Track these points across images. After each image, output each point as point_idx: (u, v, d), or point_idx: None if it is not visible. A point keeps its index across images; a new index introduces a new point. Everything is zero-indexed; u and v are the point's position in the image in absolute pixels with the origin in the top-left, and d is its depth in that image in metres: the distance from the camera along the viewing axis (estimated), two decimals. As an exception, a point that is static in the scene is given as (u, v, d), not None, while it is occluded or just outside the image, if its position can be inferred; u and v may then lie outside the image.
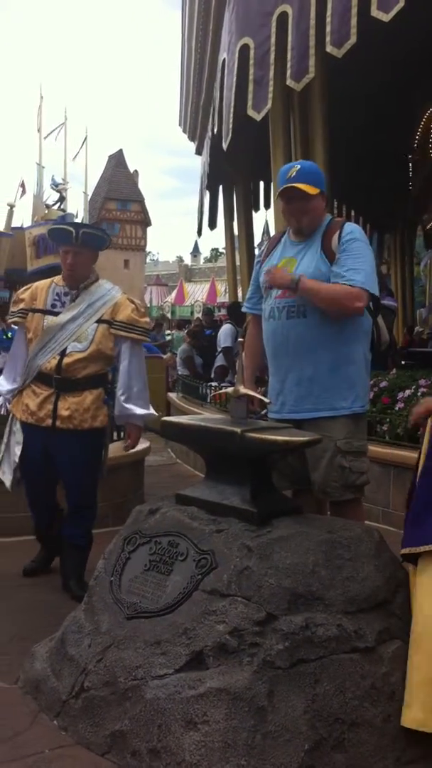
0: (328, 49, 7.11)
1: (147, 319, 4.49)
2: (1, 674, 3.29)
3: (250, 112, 8.23)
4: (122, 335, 4.32)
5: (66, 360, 4.22)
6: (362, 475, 3.59)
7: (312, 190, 3.55)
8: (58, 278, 4.45)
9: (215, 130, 10.31)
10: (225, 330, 10.93)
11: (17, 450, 4.38)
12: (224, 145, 9.28)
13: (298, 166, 3.64)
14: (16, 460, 4.40)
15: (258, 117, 8.21)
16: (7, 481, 4.48)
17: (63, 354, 4.23)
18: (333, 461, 3.50)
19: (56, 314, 4.29)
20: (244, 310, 4.06)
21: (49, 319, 4.29)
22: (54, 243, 4.37)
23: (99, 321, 4.28)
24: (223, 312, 19.86)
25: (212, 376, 10.67)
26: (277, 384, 3.65)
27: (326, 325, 3.48)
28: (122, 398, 4.39)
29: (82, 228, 4.42)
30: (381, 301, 3.54)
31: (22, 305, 4.41)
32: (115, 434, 6.34)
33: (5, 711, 2.98)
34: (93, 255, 4.41)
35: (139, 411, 4.41)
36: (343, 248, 3.50)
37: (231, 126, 8.85)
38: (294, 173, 3.58)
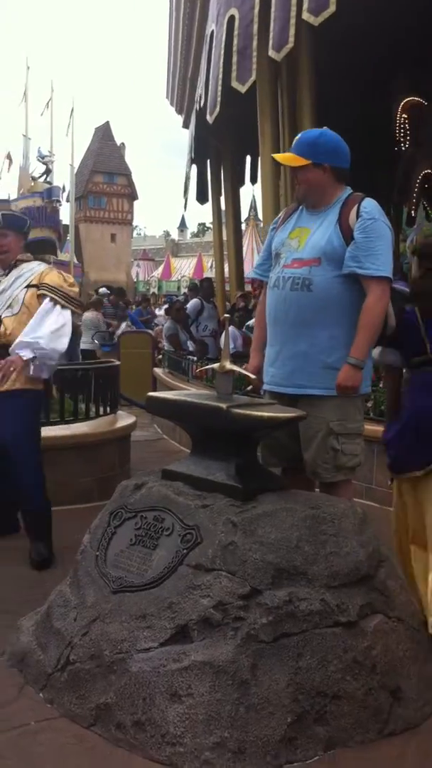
0: (305, 16, 7.06)
1: (75, 290, 4.62)
2: (-13, 647, 3.30)
3: (234, 84, 8.18)
4: (44, 293, 4.45)
5: (2, 328, 4.41)
6: (355, 457, 3.52)
7: (296, 161, 3.46)
8: None
9: (202, 103, 10.22)
10: (192, 305, 11.05)
11: None
12: (210, 119, 9.21)
13: (299, 136, 3.54)
14: None
15: (242, 89, 8.15)
16: None
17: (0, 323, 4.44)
18: (325, 442, 3.44)
19: None
20: (253, 275, 3.94)
21: None
22: None
23: (28, 286, 4.50)
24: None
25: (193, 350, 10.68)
26: (272, 354, 3.61)
27: (331, 304, 3.39)
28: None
29: (3, 212, 4.74)
30: (392, 285, 3.47)
31: None
32: (101, 409, 6.35)
33: (-9, 684, 3.01)
34: (20, 236, 4.65)
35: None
36: (361, 228, 3.37)
37: (219, 99, 8.78)
38: (294, 142, 3.51)
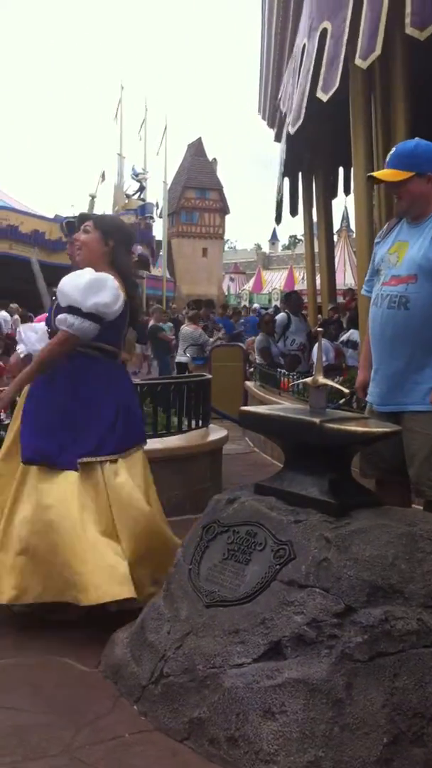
0: (408, 30, 6.95)
1: None
2: (84, 659, 3.35)
3: (319, 94, 8.15)
4: None
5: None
6: None
7: (398, 175, 3.38)
8: None
9: (287, 117, 10.22)
10: (278, 319, 11.05)
11: None
12: (292, 130, 9.19)
13: (395, 149, 3.49)
14: None
15: (325, 98, 8.10)
16: None
17: None
18: (429, 460, 3.35)
19: None
20: (362, 293, 3.92)
21: None
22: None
23: None
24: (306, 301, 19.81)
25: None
26: (372, 373, 3.59)
27: (429, 322, 3.30)
28: None
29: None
30: None
31: None
32: (193, 423, 6.39)
33: (87, 695, 3.05)
34: None
35: None
36: None
37: (303, 111, 8.76)
38: (389, 157, 3.45)
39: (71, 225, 4.49)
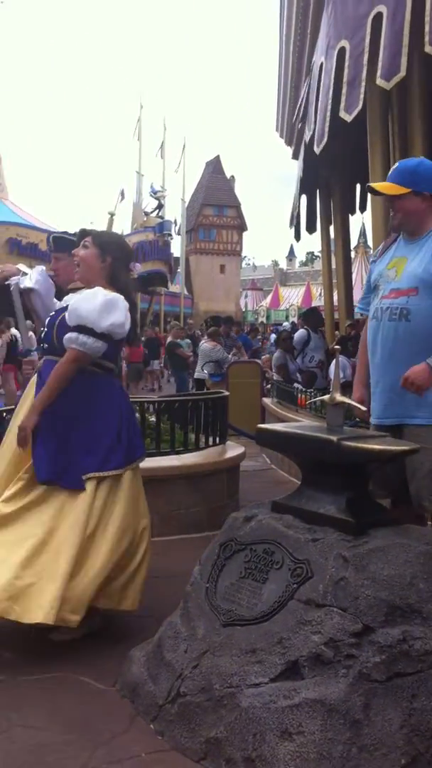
0: (427, 49, 6.98)
1: None
2: (101, 677, 3.34)
3: (342, 114, 8.18)
4: None
5: None
6: None
7: (396, 189, 3.44)
8: None
9: (308, 136, 10.26)
10: (297, 336, 11.05)
11: None
12: (317, 149, 9.23)
13: (397, 165, 3.55)
14: None
15: (348, 118, 8.14)
16: None
17: None
18: (431, 475, 3.35)
19: None
20: (357, 310, 3.99)
21: None
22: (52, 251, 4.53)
23: None
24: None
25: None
26: (372, 387, 3.58)
27: (430, 333, 3.32)
28: None
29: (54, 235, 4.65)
30: None
31: None
32: (210, 440, 6.39)
33: (104, 713, 3.04)
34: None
35: None
36: None
37: (326, 130, 8.79)
38: (391, 171, 3.51)
39: (58, 240, 4.49)
